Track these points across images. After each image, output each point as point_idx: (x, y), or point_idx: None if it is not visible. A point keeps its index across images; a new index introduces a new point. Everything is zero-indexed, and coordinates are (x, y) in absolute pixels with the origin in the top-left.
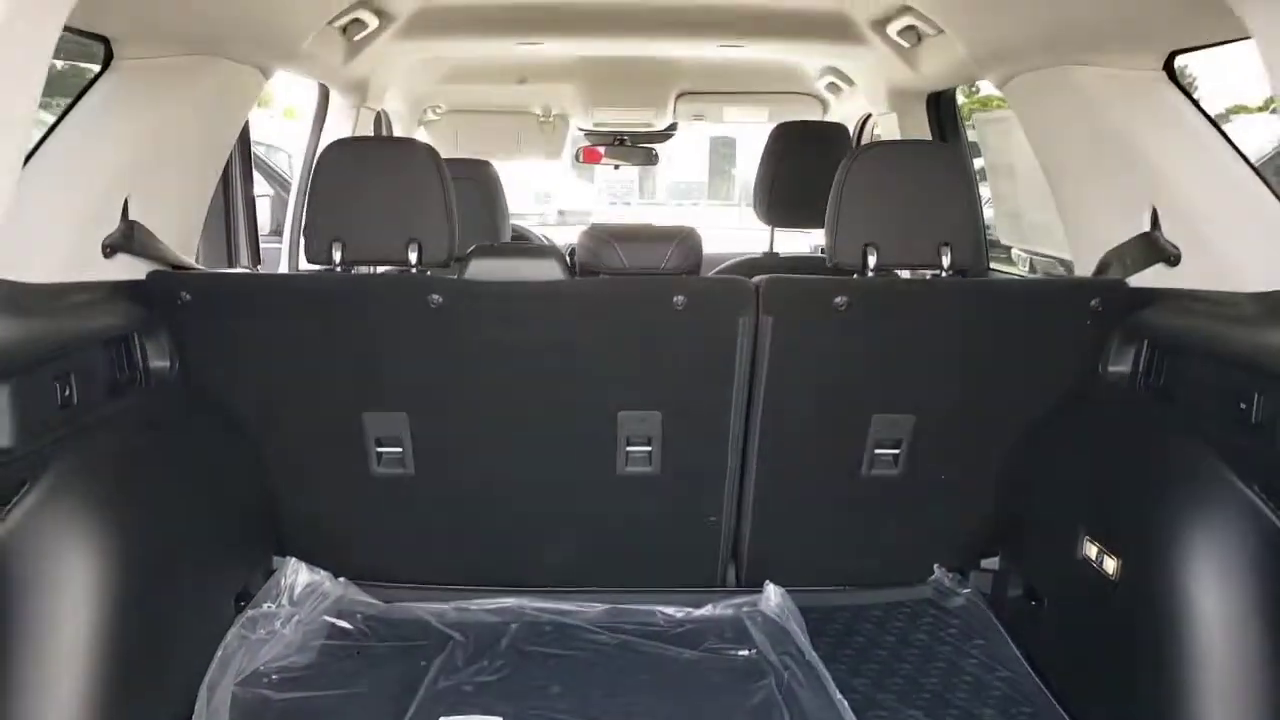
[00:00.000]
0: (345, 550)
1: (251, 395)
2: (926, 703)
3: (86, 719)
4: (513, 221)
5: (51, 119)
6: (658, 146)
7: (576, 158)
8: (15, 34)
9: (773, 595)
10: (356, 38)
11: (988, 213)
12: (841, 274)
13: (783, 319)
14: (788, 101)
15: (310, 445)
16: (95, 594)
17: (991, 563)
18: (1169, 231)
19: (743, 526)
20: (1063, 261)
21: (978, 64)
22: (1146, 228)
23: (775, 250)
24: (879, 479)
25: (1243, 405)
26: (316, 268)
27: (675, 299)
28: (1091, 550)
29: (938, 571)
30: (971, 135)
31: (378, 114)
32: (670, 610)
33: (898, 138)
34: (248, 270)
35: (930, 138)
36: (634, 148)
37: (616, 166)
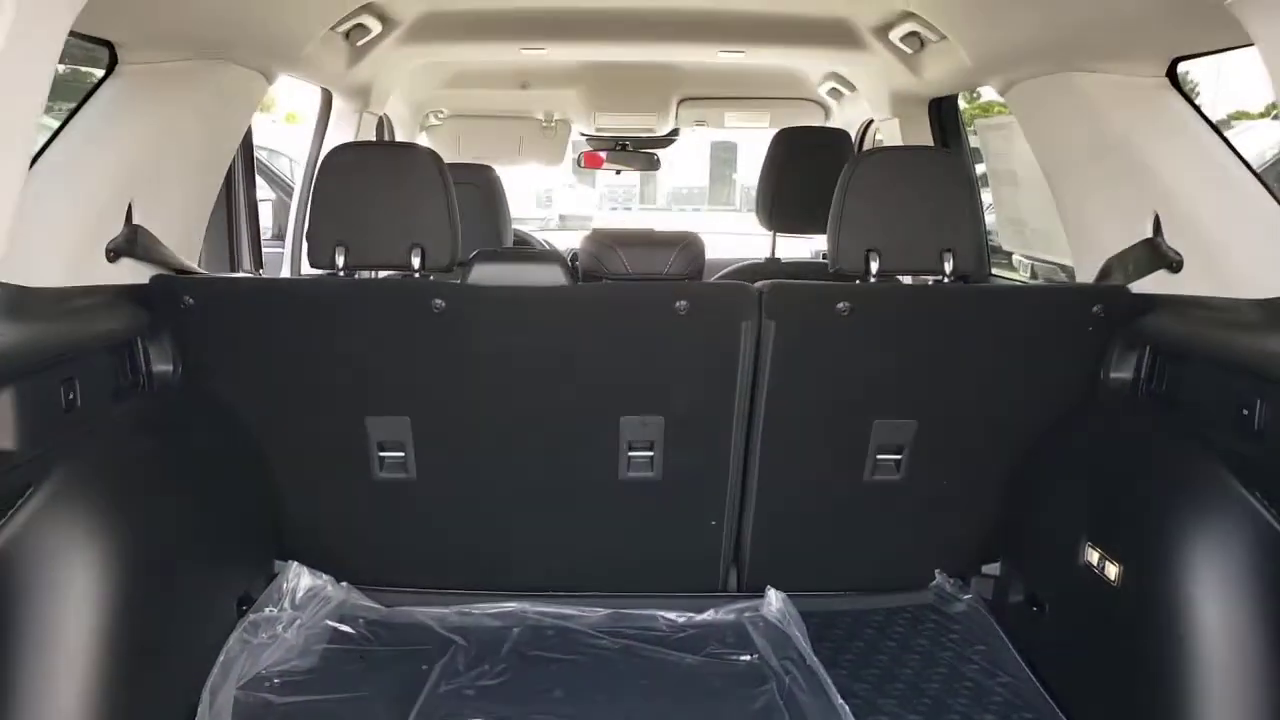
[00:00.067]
0: (347, 554)
1: (254, 399)
2: (927, 708)
3: None
4: (514, 226)
5: (55, 123)
6: (659, 152)
7: (578, 163)
8: (21, 39)
9: (774, 600)
10: (359, 43)
11: (989, 218)
12: (844, 279)
13: (785, 324)
14: (790, 107)
15: (313, 449)
16: (98, 597)
17: (993, 568)
18: (1171, 238)
19: (744, 531)
20: (1064, 267)
21: (980, 70)
22: (1149, 234)
23: (777, 256)
24: (881, 484)
25: (1245, 411)
26: (319, 272)
27: (678, 304)
28: (1093, 556)
29: (939, 577)
30: (973, 141)
31: (380, 119)
32: (672, 615)
33: (900, 143)
34: (250, 275)
35: (932, 143)
36: (636, 153)
37: (618, 171)
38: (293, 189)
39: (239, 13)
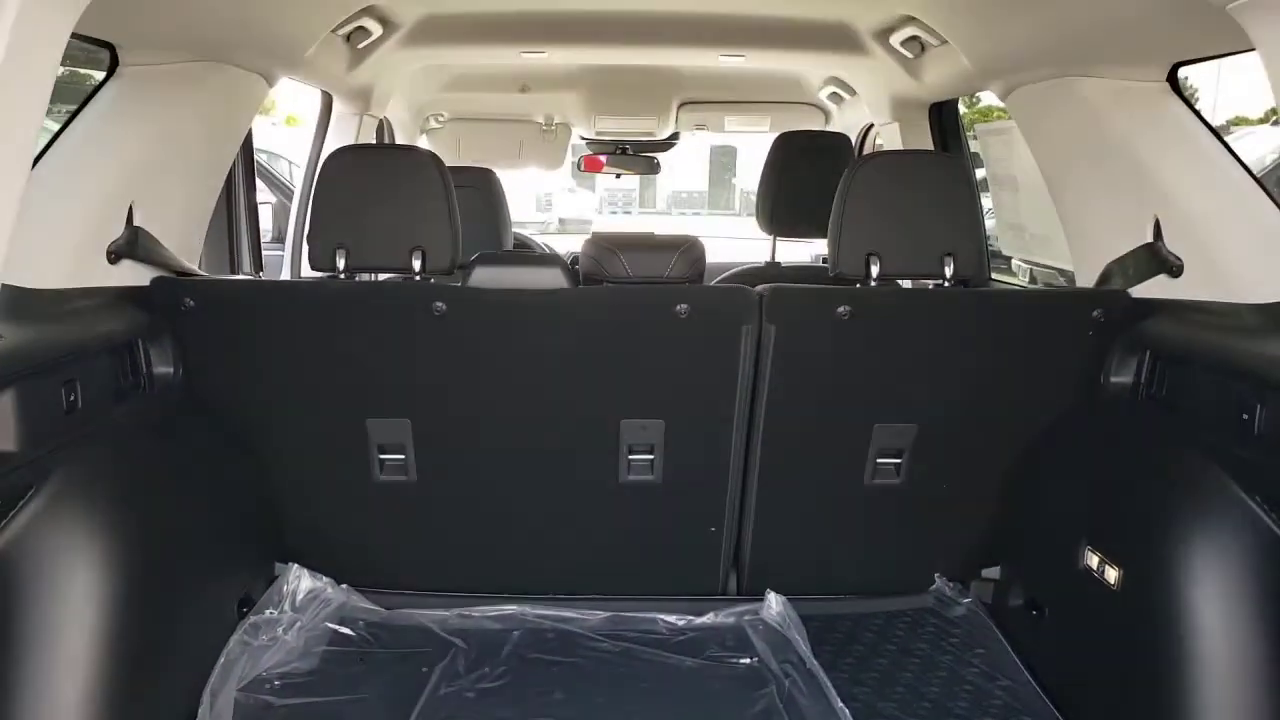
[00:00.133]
0: (348, 557)
1: (255, 401)
2: (927, 712)
3: None
4: (514, 230)
5: (55, 126)
6: (659, 155)
7: (578, 166)
8: (23, 40)
9: (774, 604)
10: (360, 45)
11: (989, 223)
12: (844, 283)
13: (786, 328)
14: (790, 111)
15: (313, 452)
16: (99, 599)
17: (992, 572)
18: (1171, 242)
19: (744, 535)
20: (1063, 272)
21: (981, 75)
22: (1149, 238)
23: (777, 260)
24: (881, 488)
25: (1245, 416)
26: (319, 275)
27: (678, 308)
28: (1093, 560)
29: (939, 581)
30: (972, 146)
31: (380, 122)
32: (672, 618)
33: (900, 148)
34: (251, 277)
35: (932, 148)
36: (636, 156)
37: (618, 175)
38: (293, 192)
39: (240, 15)
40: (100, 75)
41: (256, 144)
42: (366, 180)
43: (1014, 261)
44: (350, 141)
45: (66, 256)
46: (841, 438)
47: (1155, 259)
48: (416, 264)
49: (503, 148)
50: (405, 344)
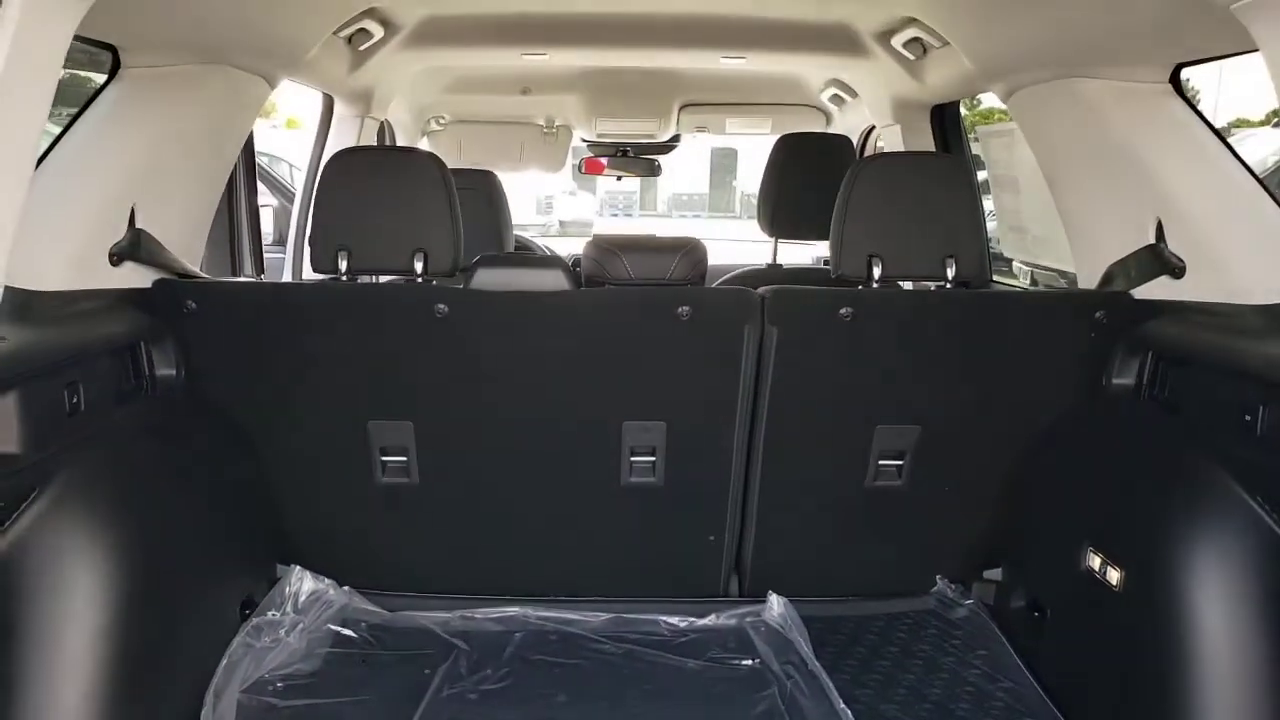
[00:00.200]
0: (350, 558)
1: (257, 403)
2: (929, 713)
3: None
4: (515, 232)
5: (56, 129)
6: (660, 158)
7: (579, 168)
8: (26, 42)
9: (776, 605)
10: (361, 47)
11: (990, 225)
12: (846, 285)
13: (788, 330)
14: (791, 113)
15: (315, 454)
16: (101, 600)
17: (994, 574)
18: (1174, 244)
19: (746, 536)
20: (1064, 274)
21: (983, 76)
22: (1151, 239)
23: (779, 262)
24: (883, 489)
25: (1247, 417)
26: (321, 277)
27: (680, 309)
28: (1095, 561)
29: (940, 582)
30: (973, 148)
31: (381, 124)
32: (674, 620)
33: (901, 150)
34: (252, 280)
35: (934, 150)
36: (637, 159)
37: (619, 178)
38: (293, 194)
39: (241, 17)
40: (101, 78)
41: (257, 147)
42: (368, 182)
43: (1015, 264)
44: (351, 144)
45: (69, 258)
46: (843, 439)
47: (1157, 260)
48: (418, 266)
49: (504, 150)
50: (407, 346)
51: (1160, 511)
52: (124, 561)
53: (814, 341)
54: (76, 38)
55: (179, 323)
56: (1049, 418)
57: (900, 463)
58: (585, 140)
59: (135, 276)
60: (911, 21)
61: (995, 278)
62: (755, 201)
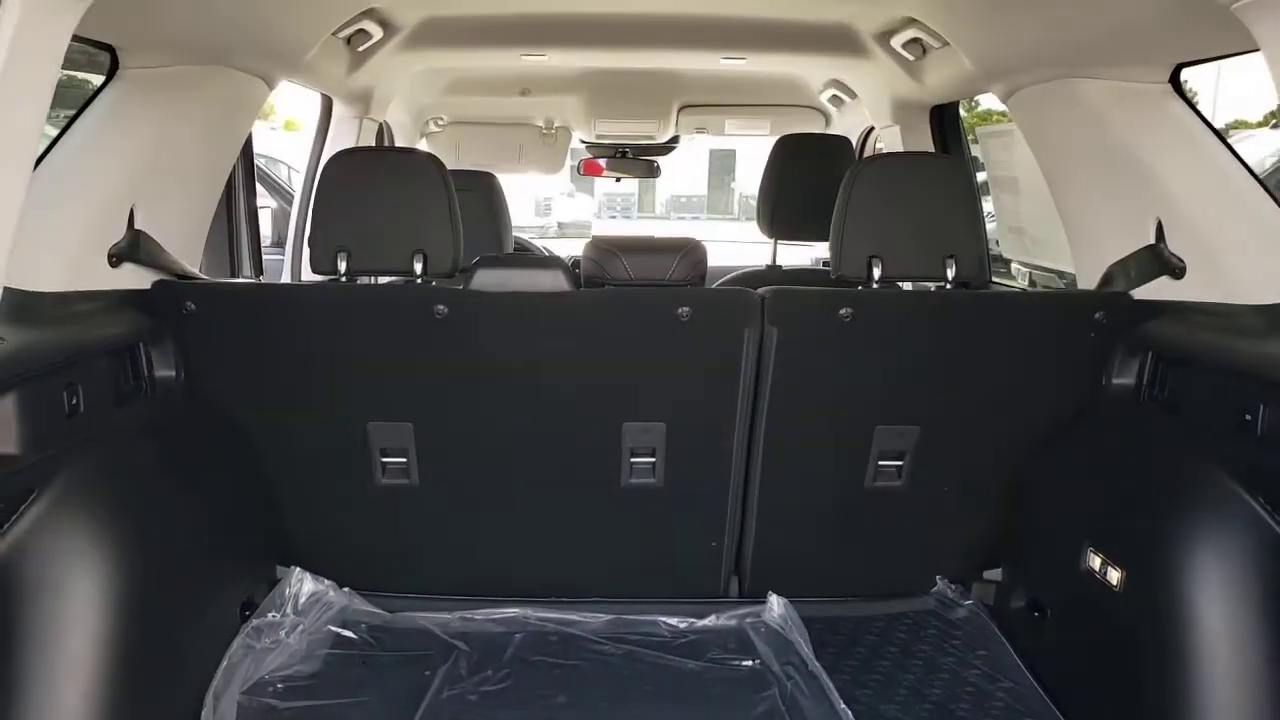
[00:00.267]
0: (350, 560)
1: (256, 405)
2: (929, 713)
3: None
4: (514, 234)
5: (54, 130)
6: (659, 159)
7: (577, 170)
8: (24, 43)
9: (776, 606)
10: (360, 48)
11: (989, 226)
12: (846, 286)
13: (788, 330)
14: (790, 114)
15: (315, 455)
16: (101, 602)
17: (994, 574)
18: (1174, 244)
19: (746, 537)
20: (1062, 275)
21: (982, 77)
22: (1151, 240)
23: (778, 263)
24: (882, 490)
25: (1247, 417)
26: (320, 278)
27: (680, 310)
28: (1095, 562)
29: (940, 583)
30: (972, 150)
31: (380, 126)
32: (674, 621)
33: (901, 151)
34: (252, 281)
35: (933, 151)
36: (635, 160)
37: (618, 179)
38: (292, 196)
39: (240, 18)
40: (98, 80)
41: (255, 148)
42: (368, 183)
43: (1013, 265)
44: (350, 145)
45: (68, 259)
46: (843, 440)
47: (1157, 260)
48: (418, 267)
49: (502, 151)
50: (407, 347)
51: (1160, 511)
52: (124, 563)
53: (814, 342)
54: (75, 38)
55: (178, 324)
56: (1049, 418)
57: (900, 463)
58: (584, 141)
59: (134, 278)
60: (911, 22)
61: (994, 279)
62: (753, 203)
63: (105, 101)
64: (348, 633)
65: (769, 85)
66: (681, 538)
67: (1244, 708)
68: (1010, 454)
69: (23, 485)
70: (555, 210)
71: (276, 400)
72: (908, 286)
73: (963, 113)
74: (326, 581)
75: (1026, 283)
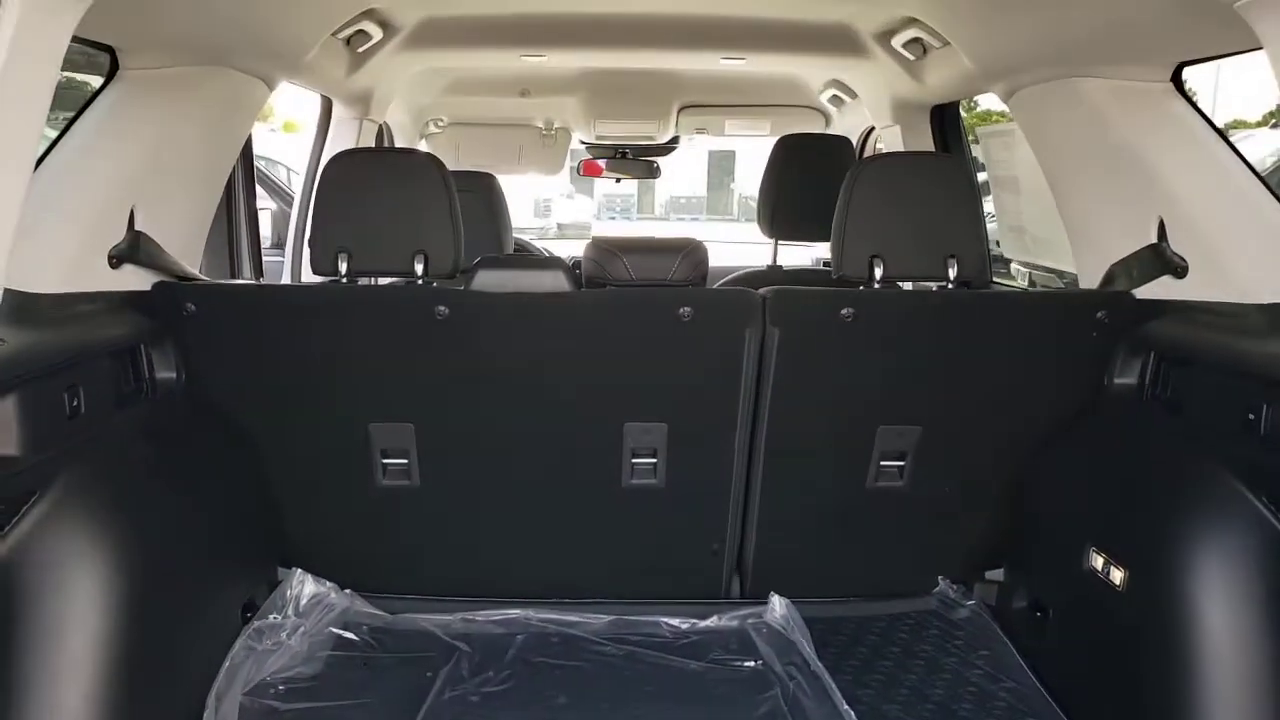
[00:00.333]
0: (351, 561)
1: (257, 406)
2: (931, 714)
3: None
4: (514, 234)
5: (54, 132)
6: (658, 160)
7: (577, 171)
8: (24, 44)
9: (778, 606)
10: (360, 49)
11: (990, 227)
12: (847, 285)
13: (789, 330)
14: (790, 114)
15: (316, 456)
16: (102, 603)
17: (996, 574)
18: (1176, 243)
19: (747, 537)
20: (1062, 275)
21: (983, 76)
22: (1153, 239)
23: (779, 263)
24: (884, 490)
25: (1250, 416)
26: (321, 280)
27: (681, 310)
28: (1098, 561)
29: (942, 583)
30: (972, 150)
31: (380, 127)
32: (675, 621)
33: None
34: (253, 282)
35: (934, 151)
36: (635, 160)
37: (618, 180)
38: (291, 198)
39: (240, 18)
40: (97, 82)
41: (254, 150)
42: (368, 184)
43: (1013, 265)
44: (350, 146)
45: (68, 261)
46: (845, 440)
47: (1160, 260)
48: (419, 268)
49: (502, 152)
50: (408, 348)
51: (1163, 511)
52: (124, 565)
53: (815, 342)
54: (74, 38)
55: (179, 325)
56: (1051, 418)
57: (902, 463)
58: (584, 142)
59: (134, 279)
60: (912, 22)
61: (994, 279)
62: (753, 204)
63: (105, 102)
64: (349, 634)
65: (769, 85)
66: (683, 538)
67: (1247, 708)
68: (1012, 454)
69: (23, 487)
70: (554, 211)
71: (277, 401)
72: (908, 286)
73: (962, 113)
74: (328, 583)
75: (1026, 283)
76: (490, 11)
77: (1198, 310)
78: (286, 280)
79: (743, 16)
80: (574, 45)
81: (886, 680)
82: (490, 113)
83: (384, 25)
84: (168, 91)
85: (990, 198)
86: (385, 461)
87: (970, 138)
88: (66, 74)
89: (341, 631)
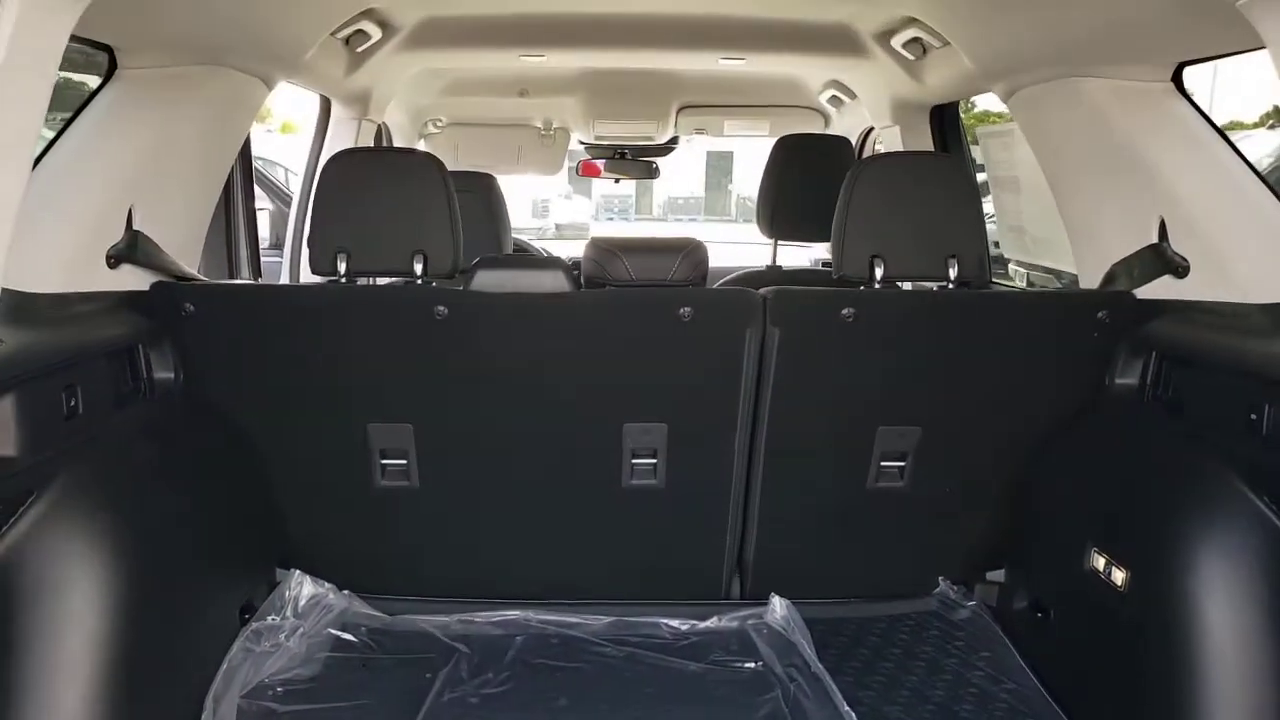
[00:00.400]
0: (350, 562)
1: (256, 406)
2: (932, 715)
3: None
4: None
5: (51, 133)
6: (657, 160)
7: (575, 171)
8: (22, 42)
9: (778, 607)
10: (359, 49)
11: (989, 227)
12: (848, 285)
13: (789, 331)
14: (789, 115)
15: (315, 457)
16: (100, 604)
17: (997, 575)
18: (1177, 243)
19: (748, 538)
20: (1060, 275)
21: (983, 76)
22: (1154, 239)
23: (778, 264)
24: (885, 491)
25: (1253, 416)
26: (319, 280)
27: (682, 310)
28: (1099, 562)
29: (943, 584)
30: (972, 151)
31: (379, 127)
32: (675, 623)
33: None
34: (251, 282)
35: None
36: (634, 161)
37: (616, 180)
38: (290, 198)
39: (239, 18)
40: (95, 82)
41: (253, 151)
42: (367, 183)
43: (1010, 266)
44: (348, 146)
45: (66, 261)
46: (845, 440)
47: (1160, 259)
48: (418, 268)
49: (501, 153)
50: (407, 348)
51: (1165, 512)
52: (122, 566)
53: (816, 342)
54: (73, 38)
55: (177, 325)
56: (1052, 418)
57: (902, 464)
58: (583, 143)
59: (133, 279)
60: (912, 22)
61: (993, 279)
62: (750, 205)
63: (103, 102)
64: (348, 635)
65: (768, 86)
66: (683, 539)
67: (1250, 709)
68: (1013, 455)
69: (21, 487)
70: (553, 212)
71: (276, 402)
72: (907, 286)
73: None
74: (326, 584)
75: (1024, 283)
76: (489, 11)
77: (1199, 310)
78: (285, 280)
79: (742, 16)
80: (573, 45)
81: (887, 681)
82: (489, 113)
83: (383, 25)
84: (166, 91)
85: (989, 198)
86: (384, 462)
87: (969, 138)
88: (64, 74)
89: (340, 633)
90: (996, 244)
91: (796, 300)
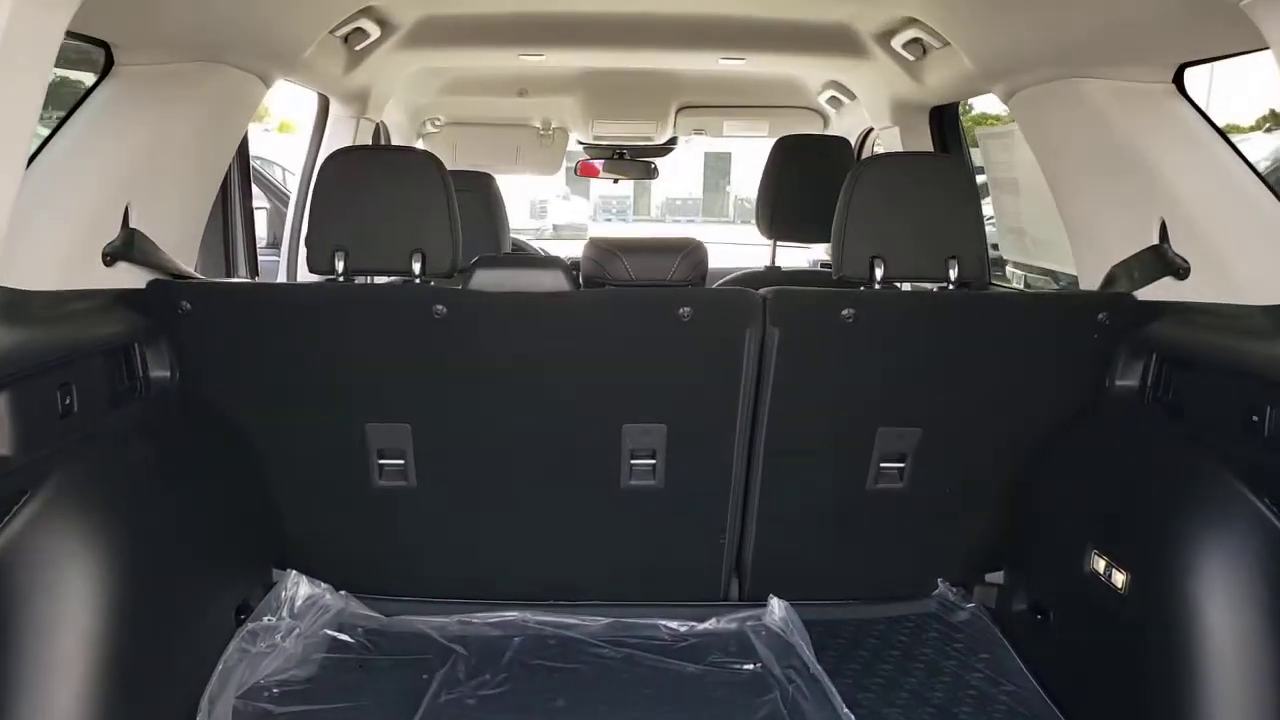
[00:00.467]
0: (347, 563)
1: (252, 406)
2: (931, 717)
3: None
4: (512, 235)
5: (46, 131)
6: (656, 160)
7: (574, 171)
8: (18, 37)
9: (777, 609)
10: (358, 47)
11: (989, 228)
12: (848, 286)
13: (789, 331)
14: (788, 115)
15: (312, 457)
16: (94, 604)
17: (996, 577)
18: (1177, 244)
19: (747, 540)
20: (1058, 277)
21: (983, 77)
22: (1154, 240)
23: (777, 264)
24: (884, 492)
25: (1253, 418)
26: (317, 279)
27: (681, 310)
28: (1099, 564)
29: (942, 586)
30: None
31: (377, 126)
32: (674, 624)
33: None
34: (248, 280)
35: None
36: (633, 161)
37: (615, 180)
38: (287, 197)
39: (237, 15)
40: (91, 79)
41: (250, 150)
42: (365, 182)
43: (1008, 268)
44: (347, 145)
45: (61, 258)
46: (845, 441)
47: (1161, 261)
48: (416, 267)
49: (499, 152)
50: (405, 348)
51: (1165, 514)
52: (117, 565)
53: (815, 343)
54: (69, 34)
55: (173, 324)
56: (1051, 420)
57: (902, 465)
58: (581, 143)
59: (129, 277)
60: (912, 22)
61: (993, 280)
62: (748, 206)
63: (100, 99)
64: (344, 636)
65: (767, 86)
66: (682, 540)
67: (1250, 711)
68: (1012, 456)
69: (15, 486)
70: (551, 213)
71: (272, 401)
72: (907, 287)
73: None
74: (323, 585)
75: (1023, 285)
76: (489, 10)
77: (1199, 312)
78: (283, 279)
79: (742, 16)
80: (572, 45)
81: (886, 683)
82: (488, 112)
83: (382, 23)
84: (163, 88)
85: (989, 200)
86: (382, 462)
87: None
88: (60, 71)
89: (336, 634)
90: (995, 246)
91: (796, 300)
